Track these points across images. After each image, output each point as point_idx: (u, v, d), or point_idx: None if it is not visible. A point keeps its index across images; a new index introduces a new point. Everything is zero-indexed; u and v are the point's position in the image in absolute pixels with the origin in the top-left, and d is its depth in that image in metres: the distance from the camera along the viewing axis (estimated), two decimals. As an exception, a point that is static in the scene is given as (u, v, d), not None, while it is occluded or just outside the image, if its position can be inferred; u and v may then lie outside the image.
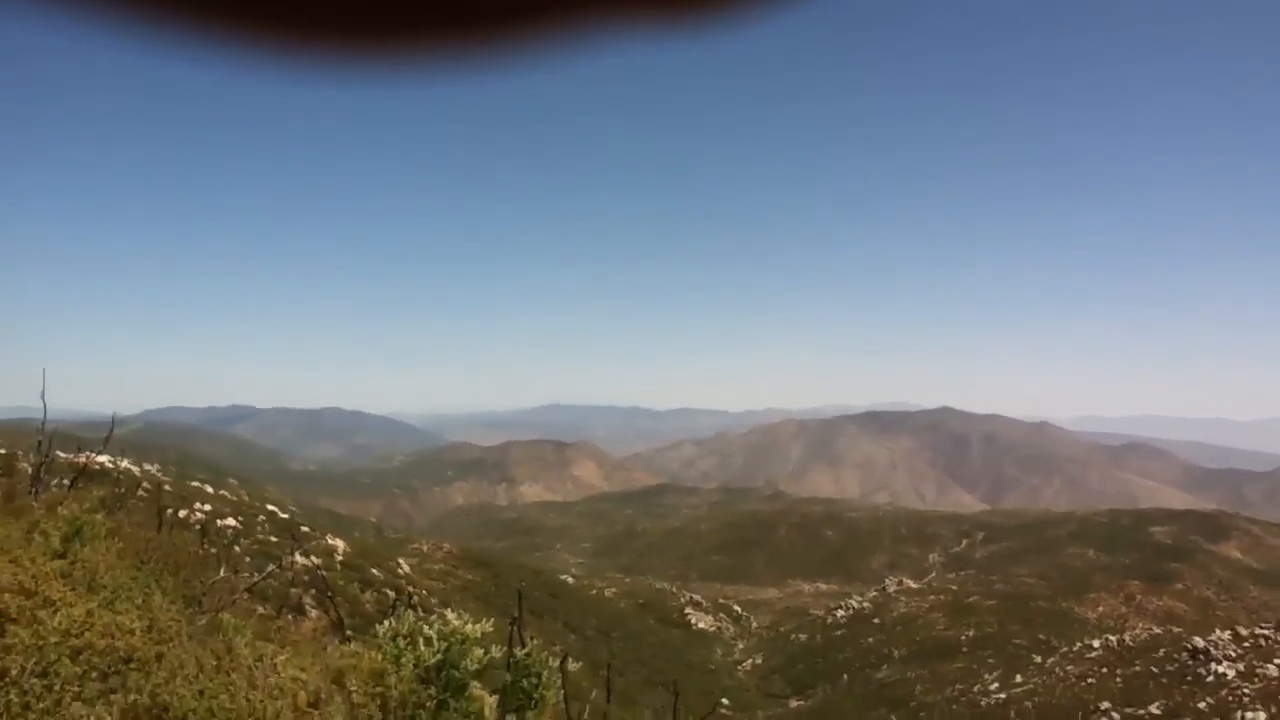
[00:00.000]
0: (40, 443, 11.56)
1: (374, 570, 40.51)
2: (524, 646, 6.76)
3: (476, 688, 6.13)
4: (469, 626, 6.08)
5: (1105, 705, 37.43)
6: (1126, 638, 46.43)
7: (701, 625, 68.22)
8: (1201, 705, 34.91)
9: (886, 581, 75.24)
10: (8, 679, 3.53)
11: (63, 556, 6.48)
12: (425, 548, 65.04)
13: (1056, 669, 44.88)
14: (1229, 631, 41.72)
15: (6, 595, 4.19)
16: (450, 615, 6.36)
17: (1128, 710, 36.52)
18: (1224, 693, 35.51)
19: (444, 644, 5.87)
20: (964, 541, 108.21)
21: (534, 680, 6.39)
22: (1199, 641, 40.73)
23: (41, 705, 3.49)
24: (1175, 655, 40.84)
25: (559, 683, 6.46)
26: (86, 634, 4.10)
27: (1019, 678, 44.94)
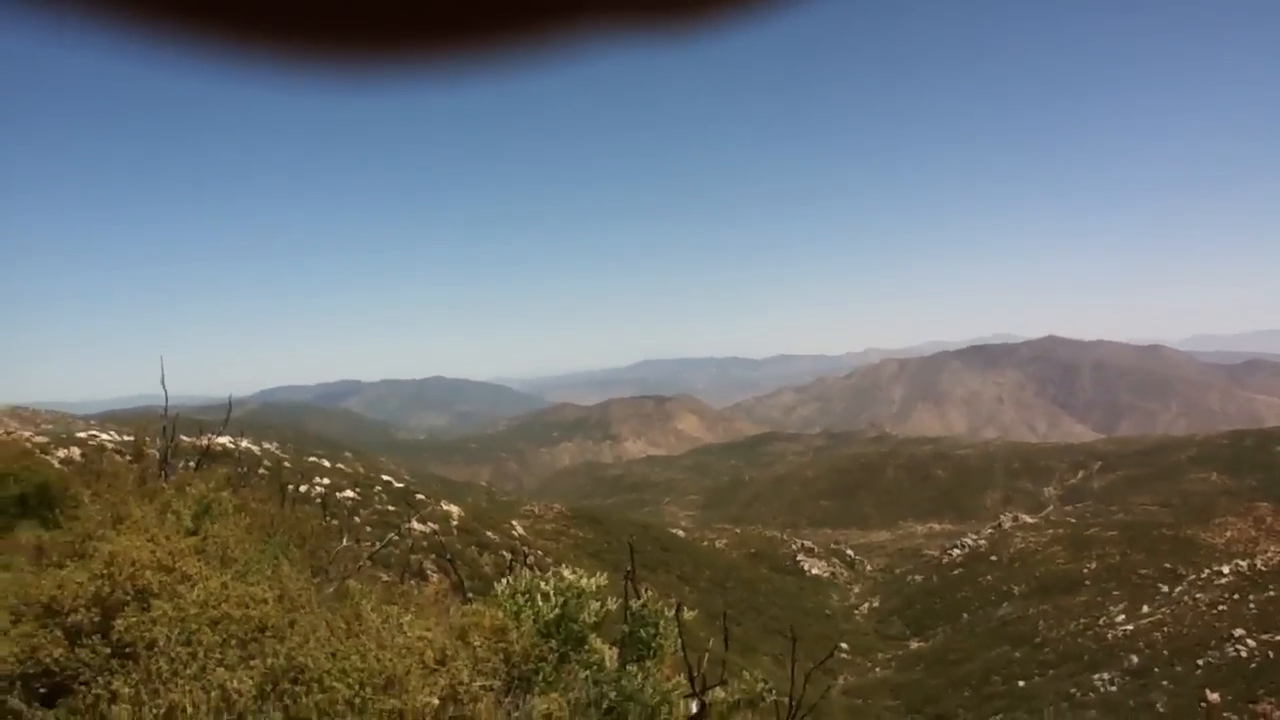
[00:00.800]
0: (165, 427, 12.05)
1: (489, 533, 41.47)
2: (639, 598, 6.85)
3: (595, 640, 6.24)
4: (585, 581, 6.18)
5: (1239, 632, 36.36)
6: (1258, 562, 44.91)
7: (815, 571, 68.14)
8: (1342, 627, 33.71)
9: (1002, 518, 73.90)
10: (156, 648, 3.72)
11: (195, 534, 6.78)
12: (536, 509, 66.16)
13: (1185, 598, 43.69)
14: (1368, 550, 40.08)
15: (148, 572, 4.41)
16: (565, 571, 6.47)
17: (1264, 637, 35.43)
18: (1366, 613, 34.22)
19: (561, 599, 5.99)
20: (1080, 473, 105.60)
21: (651, 630, 6.48)
22: (1336, 561, 39.23)
23: (188, 671, 3.68)
24: (1311, 577, 39.45)
25: (676, 632, 6.53)
26: (223, 605, 4.30)
27: (1146, 608, 43.88)
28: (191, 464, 13.41)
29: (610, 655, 6.27)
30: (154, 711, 3.38)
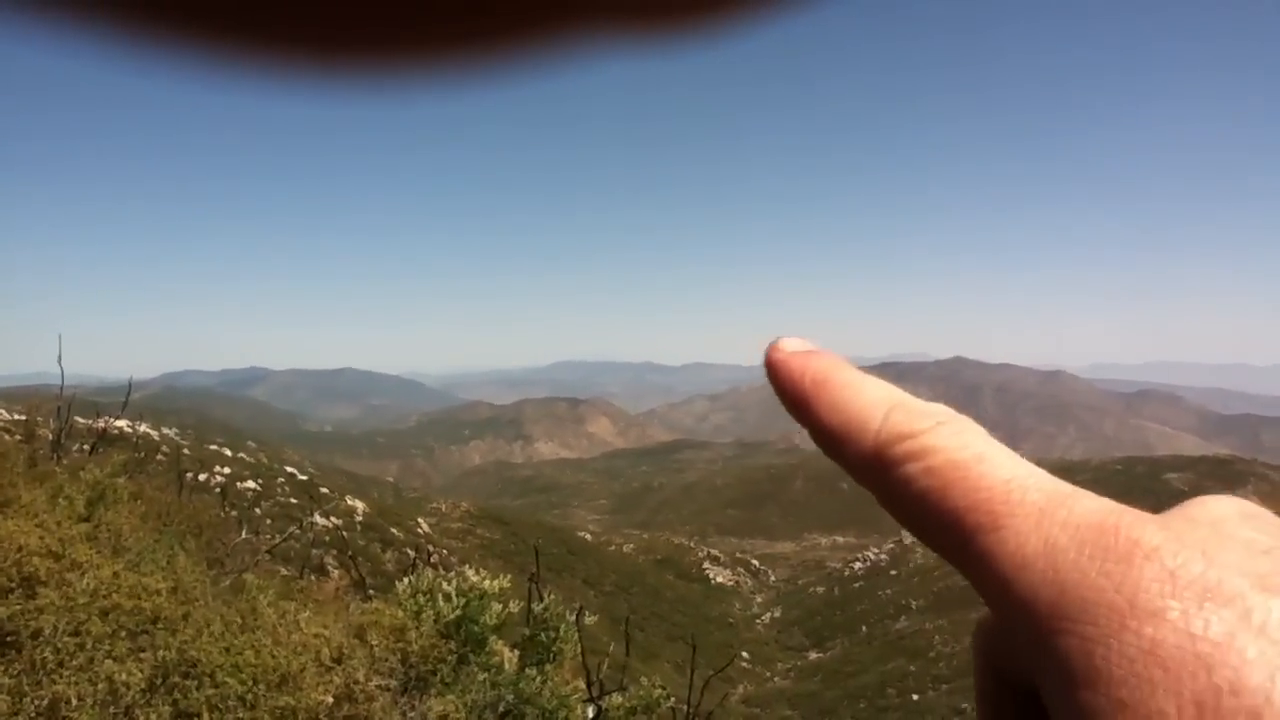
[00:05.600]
0: (59, 408, 11.67)
1: (393, 530, 40.95)
2: (541, 602, 6.86)
3: (496, 642, 6.24)
4: (487, 582, 6.17)
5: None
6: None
7: (719, 580, 68.72)
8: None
9: (903, 533, 75.30)
10: (41, 638, 3.62)
11: (87, 520, 6.59)
12: (443, 507, 65.56)
13: (1072, 616, 45.09)
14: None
15: (35, 559, 4.28)
16: (469, 571, 6.45)
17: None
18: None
19: (463, 600, 5.97)
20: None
21: (552, 634, 6.49)
22: (1215, 587, 40.90)
23: (75, 662, 3.58)
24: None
25: (576, 636, 6.56)
26: (114, 595, 4.19)
27: (1036, 625, 45.16)
28: (86, 447, 13.00)
29: (510, 658, 6.27)
30: (35, 704, 3.29)
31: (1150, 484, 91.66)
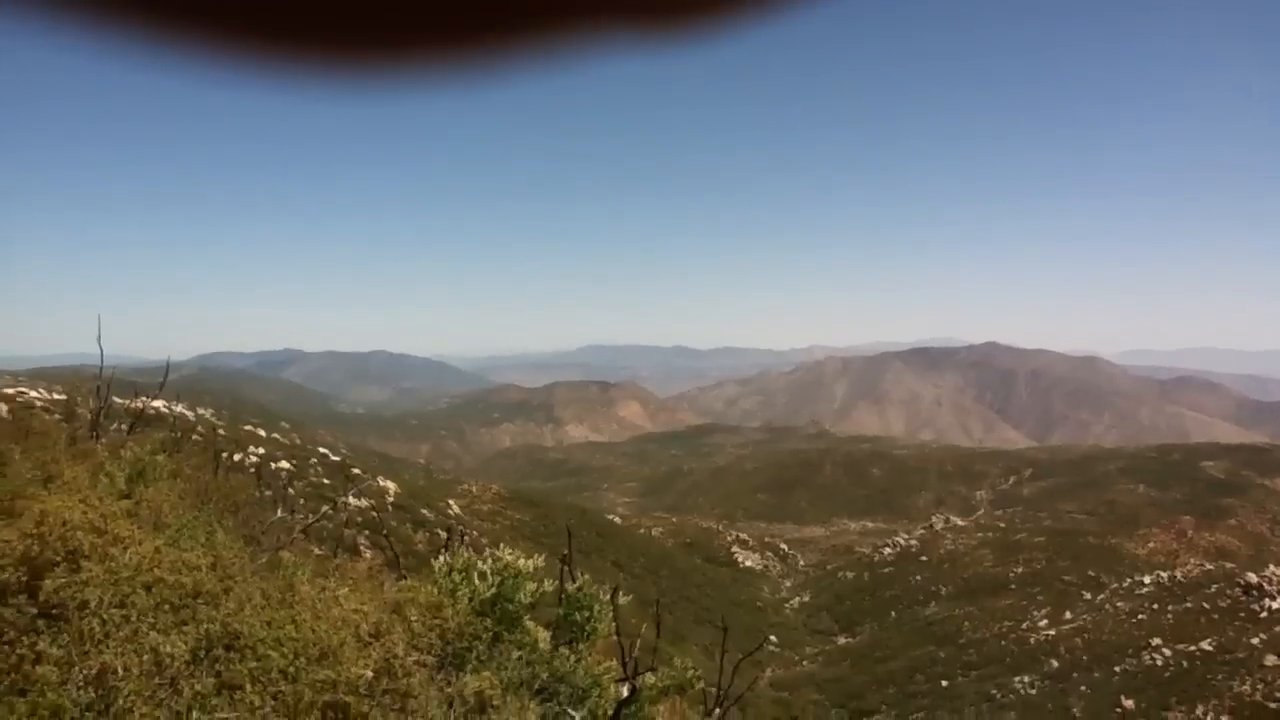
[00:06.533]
0: (99, 387, 11.81)
1: (425, 511, 41.24)
2: (574, 582, 6.89)
3: (529, 621, 6.28)
4: (522, 561, 6.20)
5: (1156, 641, 37.35)
6: (1178, 574, 46.14)
7: (748, 564, 68.73)
8: (1255, 641, 34.72)
9: (933, 519, 75.10)
10: (87, 610, 3.68)
11: (128, 497, 6.68)
12: (474, 489, 65.87)
13: (1106, 605, 44.78)
14: (1282, 567, 41.32)
15: (79, 533, 4.35)
16: (502, 551, 6.49)
17: (1179, 646, 36.42)
18: (1278, 628, 35.28)
19: (498, 578, 6.01)
20: (1011, 479, 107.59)
21: (586, 614, 6.53)
22: (1252, 577, 40.41)
23: (121, 634, 3.64)
24: (1228, 591, 40.57)
25: (610, 616, 6.59)
26: (156, 569, 4.25)
27: (1068, 614, 44.92)
28: (124, 426, 13.17)
29: (544, 637, 6.31)
30: (84, 673, 3.34)
31: (1187, 471, 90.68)
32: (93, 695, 3.31)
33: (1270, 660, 32.43)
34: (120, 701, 3.30)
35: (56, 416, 17.95)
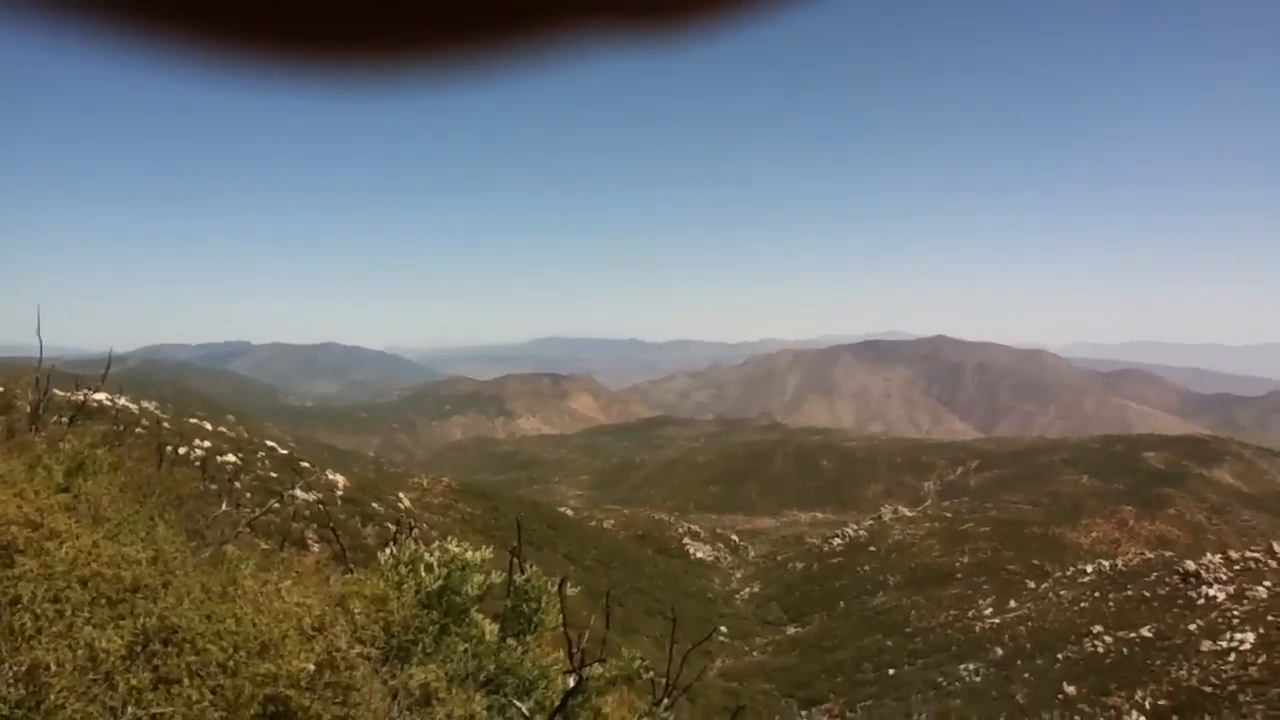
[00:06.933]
0: (38, 379, 11.57)
1: (374, 504, 40.88)
2: (523, 574, 6.88)
3: (477, 613, 6.25)
4: (469, 553, 6.18)
5: (1097, 629, 38.10)
6: (1119, 562, 47.11)
7: (699, 555, 69.07)
8: (1192, 627, 35.52)
9: (882, 510, 76.02)
10: (19, 605, 3.61)
11: (66, 490, 6.56)
12: (425, 482, 65.47)
13: (1050, 594, 45.59)
14: (1220, 555, 42.27)
15: (14, 527, 4.26)
16: (451, 543, 6.46)
17: (1119, 633, 37.18)
18: (1214, 615, 36.11)
19: (444, 570, 5.98)
20: (958, 469, 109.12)
21: (533, 605, 6.52)
22: (1190, 565, 41.31)
23: (54, 629, 3.57)
24: (1166, 579, 41.45)
25: (557, 607, 6.58)
26: (93, 564, 4.18)
27: (1013, 603, 45.68)
28: (65, 419, 12.91)
29: (491, 629, 6.29)
30: (14, 669, 3.28)
31: (1129, 462, 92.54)
32: (23, 692, 3.25)
33: (1206, 646, 33.21)
34: (52, 698, 3.24)
35: (-7, 409, 17.54)
